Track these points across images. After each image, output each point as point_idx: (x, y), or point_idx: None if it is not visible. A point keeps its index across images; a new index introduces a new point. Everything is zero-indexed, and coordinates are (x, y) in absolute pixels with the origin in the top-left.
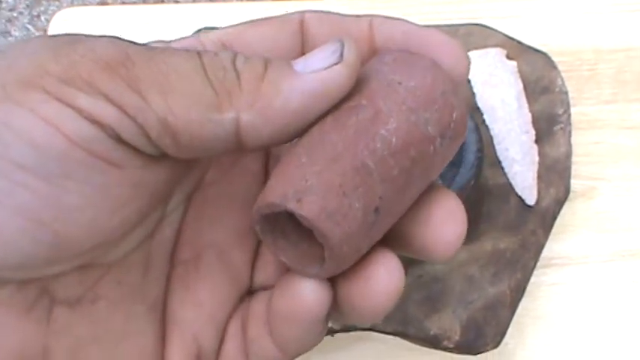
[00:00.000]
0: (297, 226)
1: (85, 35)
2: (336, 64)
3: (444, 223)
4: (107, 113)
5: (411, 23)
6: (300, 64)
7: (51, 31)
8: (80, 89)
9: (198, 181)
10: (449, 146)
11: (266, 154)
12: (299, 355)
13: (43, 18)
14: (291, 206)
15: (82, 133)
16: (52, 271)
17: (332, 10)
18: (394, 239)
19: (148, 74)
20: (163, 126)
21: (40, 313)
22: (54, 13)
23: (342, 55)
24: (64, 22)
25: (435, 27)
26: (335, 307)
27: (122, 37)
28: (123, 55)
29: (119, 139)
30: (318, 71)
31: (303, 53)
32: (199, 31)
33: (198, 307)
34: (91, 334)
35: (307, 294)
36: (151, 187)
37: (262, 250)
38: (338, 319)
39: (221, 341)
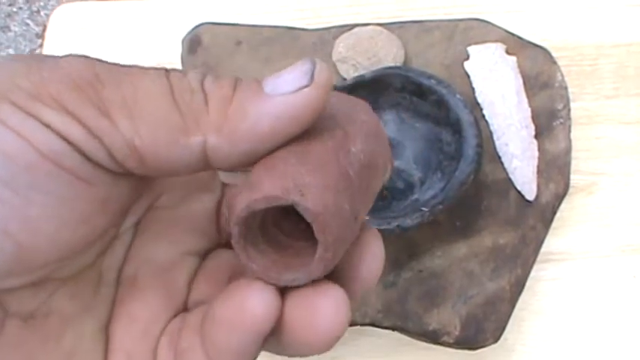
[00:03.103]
0: (273, 229)
1: (55, 56)
2: (306, 86)
3: (372, 264)
4: (74, 132)
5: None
6: (269, 84)
7: (50, 27)
8: (49, 106)
9: (152, 204)
10: (382, 179)
11: (222, 192)
12: None
13: (42, 13)
14: (296, 199)
15: (51, 146)
16: (9, 283)
17: (332, 6)
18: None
19: (116, 97)
20: (130, 148)
21: None
22: (53, 8)
23: (312, 76)
24: (63, 17)
25: (435, 22)
26: (275, 333)
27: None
28: (92, 76)
29: (86, 157)
30: (288, 94)
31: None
32: (198, 26)
33: (132, 322)
34: (42, 350)
35: (257, 303)
36: (116, 202)
37: (200, 270)
38: (272, 349)
39: (154, 358)
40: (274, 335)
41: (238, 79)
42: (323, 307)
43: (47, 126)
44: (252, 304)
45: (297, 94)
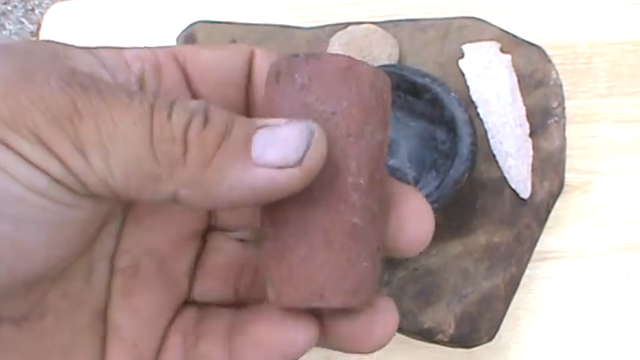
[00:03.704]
0: None
1: (39, 71)
2: (294, 165)
3: (414, 225)
4: (53, 167)
5: None
6: (259, 145)
7: (45, 25)
8: (26, 138)
9: None
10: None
11: None
12: None
13: (37, 11)
14: (318, 304)
15: (34, 181)
16: None
17: (327, 4)
18: None
19: (94, 134)
20: (103, 185)
21: None
22: (48, 6)
23: (305, 154)
24: (57, 15)
25: (430, 20)
26: (325, 336)
27: (91, 60)
28: (71, 108)
29: (68, 188)
30: (273, 168)
31: (248, 85)
32: (193, 24)
33: (135, 314)
34: (38, 350)
35: (302, 336)
36: (102, 216)
37: (203, 260)
38: (322, 345)
39: (159, 350)
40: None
41: (228, 131)
42: (376, 327)
43: (27, 160)
44: (298, 336)
45: (281, 172)
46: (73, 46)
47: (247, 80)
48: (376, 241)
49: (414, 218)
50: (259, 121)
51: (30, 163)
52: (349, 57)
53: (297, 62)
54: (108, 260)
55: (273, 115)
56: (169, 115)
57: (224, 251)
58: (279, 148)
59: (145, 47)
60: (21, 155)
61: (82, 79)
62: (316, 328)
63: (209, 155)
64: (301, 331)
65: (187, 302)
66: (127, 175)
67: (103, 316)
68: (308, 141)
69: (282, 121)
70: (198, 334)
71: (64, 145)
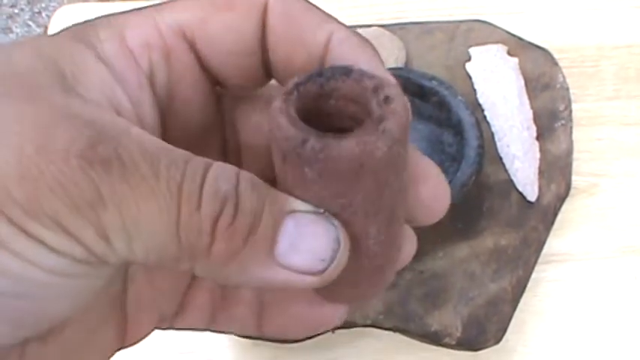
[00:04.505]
0: None
1: (55, 133)
2: (316, 274)
3: (431, 194)
4: (75, 251)
5: (371, 54)
6: (284, 244)
7: (52, 28)
8: (46, 226)
9: None
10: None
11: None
12: None
13: (44, 14)
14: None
15: (57, 265)
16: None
17: (334, 8)
18: None
19: (117, 221)
20: (123, 261)
21: (14, 357)
22: (55, 9)
23: (328, 266)
24: (65, 18)
25: (437, 23)
26: None
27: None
28: (94, 194)
29: (89, 265)
30: (295, 272)
31: (263, 45)
32: None
33: (152, 284)
34: (62, 357)
35: (335, 316)
36: (122, 269)
37: None
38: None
39: (183, 304)
40: None
41: (258, 214)
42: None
43: (49, 247)
44: (334, 315)
45: (302, 277)
46: (78, 43)
47: (263, 40)
48: (398, 249)
49: (430, 186)
50: (287, 205)
51: (51, 249)
52: (363, 144)
53: (305, 154)
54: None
55: (288, 189)
56: (198, 206)
57: None
58: (305, 256)
59: (148, 23)
60: (42, 242)
61: (104, 152)
62: (346, 308)
63: (235, 251)
64: (336, 311)
65: None
66: (148, 254)
67: (122, 297)
68: (333, 253)
69: (308, 216)
70: (226, 297)
71: (86, 232)
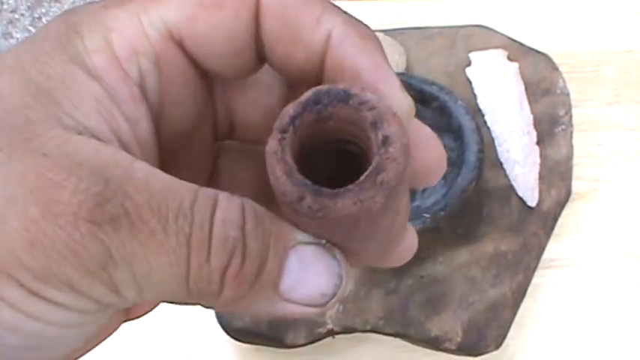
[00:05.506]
0: None
1: (56, 196)
2: (318, 306)
3: (428, 155)
4: (85, 306)
5: (372, 50)
6: (288, 282)
7: None
8: (59, 289)
9: None
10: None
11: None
12: None
13: (44, 20)
14: None
15: (67, 320)
16: None
17: None
18: None
19: (129, 277)
20: (132, 304)
21: None
22: (55, 14)
23: (331, 299)
24: None
25: (437, 29)
26: None
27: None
28: (105, 256)
29: (100, 314)
30: (298, 305)
31: (257, 42)
32: None
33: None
34: None
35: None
36: None
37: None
38: None
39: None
40: None
41: (264, 255)
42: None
43: (62, 306)
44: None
45: (304, 308)
46: (64, 56)
47: (257, 37)
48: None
49: (425, 147)
50: (291, 239)
51: (65, 307)
52: (360, 202)
53: (302, 210)
54: None
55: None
56: (208, 258)
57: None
58: (308, 292)
59: (134, 25)
60: (55, 303)
61: (112, 210)
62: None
63: (243, 294)
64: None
65: None
66: (157, 298)
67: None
68: (335, 288)
69: (311, 248)
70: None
71: (98, 290)
